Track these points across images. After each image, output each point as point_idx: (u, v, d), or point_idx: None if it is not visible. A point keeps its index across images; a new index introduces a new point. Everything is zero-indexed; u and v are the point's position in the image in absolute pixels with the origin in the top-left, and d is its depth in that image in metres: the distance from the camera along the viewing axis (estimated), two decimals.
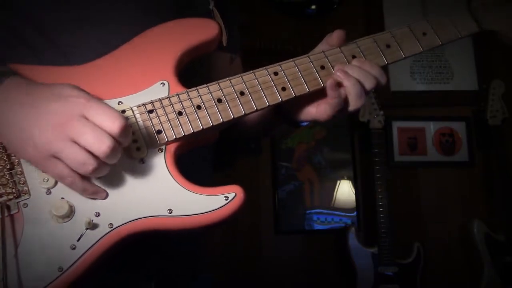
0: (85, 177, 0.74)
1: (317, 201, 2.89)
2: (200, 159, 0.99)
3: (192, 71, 0.91)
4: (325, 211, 2.88)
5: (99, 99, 0.74)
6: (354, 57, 0.95)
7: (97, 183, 0.77)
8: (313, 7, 2.94)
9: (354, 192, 2.92)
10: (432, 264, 2.76)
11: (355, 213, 2.89)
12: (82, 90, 0.74)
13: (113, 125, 0.70)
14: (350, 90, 0.90)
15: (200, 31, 0.88)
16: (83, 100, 0.71)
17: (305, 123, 0.99)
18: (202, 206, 0.78)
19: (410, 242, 2.69)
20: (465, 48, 3.03)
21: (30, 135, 0.70)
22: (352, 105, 0.92)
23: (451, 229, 2.91)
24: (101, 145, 0.69)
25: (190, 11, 0.94)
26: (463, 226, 2.82)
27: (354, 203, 2.90)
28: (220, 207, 0.78)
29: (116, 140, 0.71)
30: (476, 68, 3.02)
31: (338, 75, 0.91)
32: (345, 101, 0.92)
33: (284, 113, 0.99)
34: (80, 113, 0.70)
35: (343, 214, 2.88)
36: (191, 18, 0.90)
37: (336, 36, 0.95)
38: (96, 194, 0.76)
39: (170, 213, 0.77)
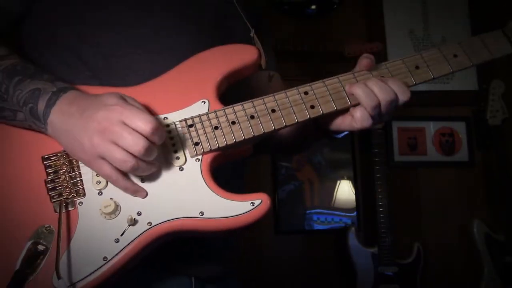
0: (128, 177, 0.87)
1: (317, 201, 2.89)
2: (233, 172, 1.09)
3: (235, 90, 1.02)
4: (325, 211, 2.88)
5: (135, 106, 0.86)
6: (383, 77, 0.99)
7: (142, 185, 0.89)
8: (313, 7, 2.94)
9: (354, 192, 2.92)
10: (432, 264, 2.77)
11: (355, 213, 2.89)
12: (121, 98, 0.86)
13: (146, 126, 0.82)
14: (361, 98, 0.94)
15: (241, 56, 0.99)
16: (120, 108, 0.84)
17: (342, 134, 1.07)
18: (230, 210, 0.88)
19: (410, 242, 2.69)
20: None
21: (80, 141, 0.84)
22: (359, 121, 0.96)
23: (451, 229, 2.92)
24: (137, 145, 0.81)
25: (232, 39, 1.04)
26: (463, 226, 2.83)
27: (354, 203, 2.91)
28: (246, 212, 0.87)
29: (150, 141, 0.83)
30: (476, 68, 3.02)
31: (349, 85, 0.96)
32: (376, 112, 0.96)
33: (323, 126, 1.05)
34: (119, 119, 0.83)
35: (343, 214, 2.89)
36: (234, 44, 1.00)
37: (364, 61, 0.99)
38: (137, 193, 0.88)
39: (202, 215, 0.87)
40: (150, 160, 0.85)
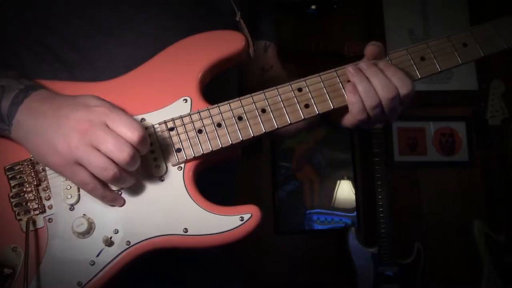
0: (106, 185, 0.77)
1: (317, 201, 2.89)
2: (224, 174, 1.00)
3: None
4: (325, 211, 2.87)
5: (121, 109, 0.76)
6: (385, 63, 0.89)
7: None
8: (313, 7, 2.93)
9: (354, 192, 2.92)
10: (432, 264, 2.76)
11: (355, 213, 2.89)
12: (105, 100, 0.77)
13: (133, 134, 0.73)
14: (360, 90, 0.85)
15: (226, 44, 0.86)
16: (105, 109, 0.74)
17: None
18: (217, 226, 0.79)
19: (410, 242, 2.69)
20: None
21: (53, 143, 0.73)
22: (355, 114, 0.86)
23: (451, 229, 2.91)
24: (122, 153, 0.72)
25: (216, 18, 0.94)
26: (463, 226, 2.83)
27: (354, 203, 2.90)
28: (235, 228, 0.79)
29: (136, 149, 0.74)
30: (476, 68, 3.02)
31: (349, 70, 0.86)
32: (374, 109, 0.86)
33: (327, 116, 0.95)
34: (103, 121, 0.73)
35: (343, 214, 2.88)
36: (217, 31, 0.88)
37: (370, 49, 0.88)
38: (115, 201, 0.78)
39: (186, 232, 0.78)
40: (133, 170, 0.76)
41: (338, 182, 2.93)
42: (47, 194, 0.79)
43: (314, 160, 2.92)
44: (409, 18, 3.08)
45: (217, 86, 0.91)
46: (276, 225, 2.82)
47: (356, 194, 2.91)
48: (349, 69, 0.87)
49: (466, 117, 3.03)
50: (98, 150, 0.72)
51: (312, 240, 2.87)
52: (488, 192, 2.94)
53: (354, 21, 3.04)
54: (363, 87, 0.85)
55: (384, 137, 2.71)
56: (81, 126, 0.73)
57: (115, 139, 0.72)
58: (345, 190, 2.92)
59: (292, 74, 1.07)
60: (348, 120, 0.90)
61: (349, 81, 0.87)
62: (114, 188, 0.79)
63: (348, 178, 2.93)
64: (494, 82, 2.81)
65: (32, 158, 0.81)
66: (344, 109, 0.89)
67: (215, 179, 0.91)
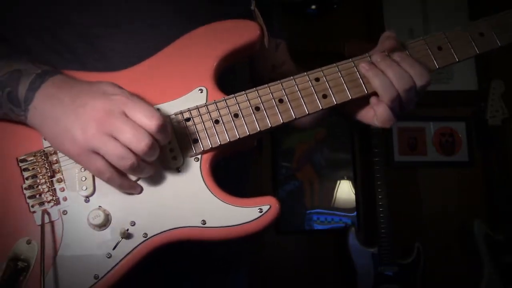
0: (123, 174, 0.75)
1: (317, 201, 2.89)
2: (239, 167, 0.98)
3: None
4: (325, 211, 2.87)
5: (139, 98, 0.75)
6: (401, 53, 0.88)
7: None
8: (313, 7, 2.93)
9: (354, 192, 2.92)
10: (432, 264, 2.76)
11: (355, 213, 2.89)
12: (122, 88, 0.75)
13: (151, 123, 0.71)
14: (379, 90, 0.84)
15: (240, 34, 0.85)
16: (123, 98, 0.73)
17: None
18: (235, 218, 0.78)
19: (410, 242, 2.69)
20: None
21: (70, 131, 0.72)
22: (381, 121, 0.85)
23: (451, 229, 2.91)
24: (140, 142, 0.70)
25: (231, 7, 0.93)
26: (463, 226, 2.82)
27: (354, 203, 2.90)
28: (254, 219, 0.78)
29: (154, 138, 0.72)
30: (476, 68, 3.02)
31: (362, 66, 0.86)
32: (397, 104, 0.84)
33: (341, 109, 0.94)
34: (120, 110, 0.72)
35: (343, 214, 2.88)
36: (232, 20, 0.86)
37: (388, 43, 0.88)
38: (132, 189, 0.77)
39: (204, 224, 0.77)
40: (151, 160, 0.75)
41: (338, 182, 2.93)
42: (61, 186, 0.78)
43: (314, 160, 2.92)
44: (409, 18, 3.08)
45: (226, 83, 0.89)
46: (276, 225, 2.82)
47: (356, 194, 2.91)
48: (362, 65, 0.86)
49: (466, 117, 3.03)
50: (116, 140, 0.71)
51: (312, 240, 2.87)
52: (488, 192, 2.94)
53: (354, 21, 3.04)
54: (380, 80, 0.84)
55: (384, 137, 2.71)
56: (99, 115, 0.71)
57: (133, 129, 0.71)
58: (345, 190, 2.92)
59: (305, 70, 1.06)
60: (365, 115, 0.90)
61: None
62: (132, 178, 0.77)
63: (348, 178, 2.93)
64: (494, 82, 2.81)
65: (45, 149, 0.79)
66: (361, 101, 0.88)
67: (231, 168, 0.89)
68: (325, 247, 2.85)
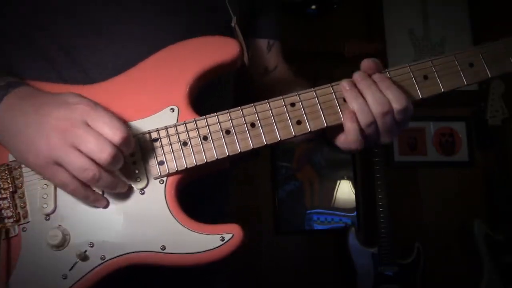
0: (87, 185, 0.73)
1: (317, 201, 2.89)
2: (216, 182, 0.96)
3: None
4: (325, 211, 2.88)
5: (103, 107, 0.73)
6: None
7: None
8: (313, 7, 2.93)
9: (354, 192, 2.92)
10: (432, 264, 2.76)
11: (355, 213, 2.89)
12: (86, 98, 0.73)
13: (115, 134, 0.70)
14: (353, 108, 0.80)
15: (220, 51, 0.82)
16: (86, 107, 0.71)
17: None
18: (196, 245, 0.75)
19: (410, 242, 2.69)
20: (465, 47, 3.02)
21: (33, 143, 0.71)
22: (351, 142, 0.81)
23: (451, 229, 2.91)
24: (103, 153, 0.69)
25: (212, 18, 0.90)
26: (463, 226, 2.82)
27: (354, 203, 2.90)
28: (214, 248, 0.76)
29: (118, 148, 0.71)
30: None
31: (343, 85, 0.82)
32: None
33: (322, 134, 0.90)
34: (83, 120, 0.71)
35: (343, 214, 2.88)
36: (212, 36, 0.83)
37: (364, 64, 0.83)
38: (97, 202, 0.75)
39: (163, 249, 0.75)
40: (114, 169, 0.73)
41: (338, 182, 2.93)
42: (22, 202, 0.76)
43: (314, 160, 2.92)
44: (409, 18, 3.08)
45: (212, 89, 0.88)
46: (276, 225, 2.83)
47: (356, 194, 2.91)
48: (343, 84, 0.83)
49: (466, 117, 3.03)
50: (79, 150, 0.70)
51: (312, 240, 2.87)
52: (488, 192, 2.94)
53: (354, 21, 3.04)
54: (358, 104, 0.80)
55: None
56: (61, 125, 0.70)
57: (96, 139, 0.69)
58: (345, 190, 2.92)
59: (298, 73, 1.05)
60: (341, 142, 0.86)
61: (345, 100, 0.83)
62: (97, 190, 0.75)
63: (348, 178, 2.93)
64: (494, 82, 2.80)
65: (9, 163, 0.78)
66: (338, 128, 0.84)
67: (205, 192, 0.87)
68: (325, 247, 2.85)
